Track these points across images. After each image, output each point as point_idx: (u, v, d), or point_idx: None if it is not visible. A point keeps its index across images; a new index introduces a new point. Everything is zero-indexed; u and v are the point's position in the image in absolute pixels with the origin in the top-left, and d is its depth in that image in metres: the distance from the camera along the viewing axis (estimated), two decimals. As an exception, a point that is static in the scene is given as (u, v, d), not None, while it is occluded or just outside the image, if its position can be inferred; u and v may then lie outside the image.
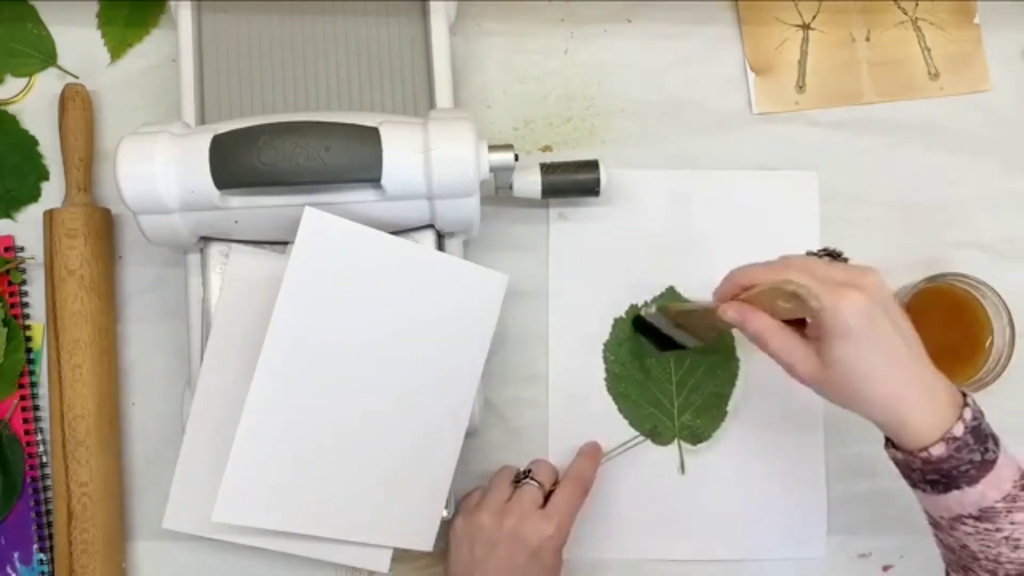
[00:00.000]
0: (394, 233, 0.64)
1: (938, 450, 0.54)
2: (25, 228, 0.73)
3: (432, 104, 0.69)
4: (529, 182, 0.70)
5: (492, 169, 0.64)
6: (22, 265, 0.73)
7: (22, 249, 0.73)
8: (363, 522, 0.65)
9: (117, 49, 0.75)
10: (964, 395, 0.56)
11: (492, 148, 0.64)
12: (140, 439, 0.72)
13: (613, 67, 0.76)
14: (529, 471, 0.68)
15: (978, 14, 0.78)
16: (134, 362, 0.73)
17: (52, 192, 0.74)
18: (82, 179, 0.72)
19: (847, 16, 0.78)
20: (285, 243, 0.66)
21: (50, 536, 0.71)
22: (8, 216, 0.74)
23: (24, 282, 0.73)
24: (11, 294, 0.72)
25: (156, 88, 0.75)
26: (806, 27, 0.78)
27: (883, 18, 0.78)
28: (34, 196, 0.74)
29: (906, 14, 0.78)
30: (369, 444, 0.64)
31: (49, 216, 0.70)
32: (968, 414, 0.55)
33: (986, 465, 0.54)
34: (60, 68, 0.75)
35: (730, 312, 0.59)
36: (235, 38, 0.71)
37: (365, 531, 0.65)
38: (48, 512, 0.71)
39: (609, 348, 0.73)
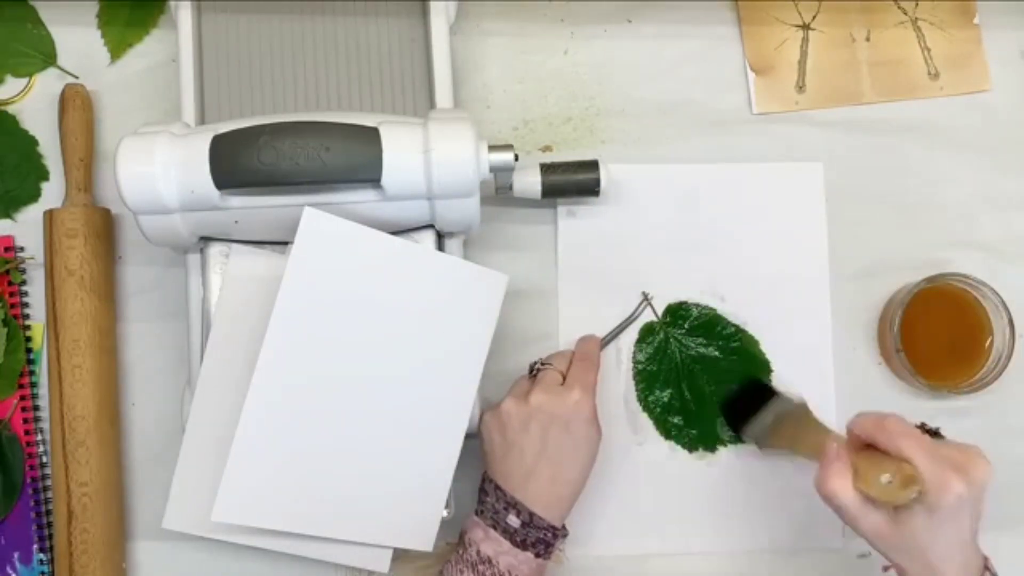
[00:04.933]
0: (394, 233, 0.64)
1: None
2: (25, 228, 0.73)
3: (432, 104, 0.69)
4: (529, 182, 0.70)
5: (492, 169, 0.64)
6: (22, 265, 0.73)
7: (22, 249, 0.73)
8: (363, 522, 0.65)
9: (117, 49, 0.75)
10: (985, 559, 0.60)
11: (492, 148, 0.64)
12: (140, 439, 0.72)
13: (613, 67, 0.76)
14: (542, 360, 0.68)
15: (978, 14, 0.78)
16: (134, 362, 0.73)
17: (52, 192, 0.74)
18: (82, 179, 0.72)
19: (847, 16, 0.78)
20: (285, 243, 0.66)
21: (50, 536, 0.71)
22: (8, 216, 0.74)
23: (24, 282, 0.73)
24: (11, 294, 0.72)
25: (156, 88, 0.75)
26: (806, 27, 0.78)
27: (883, 18, 0.78)
28: (34, 196, 0.74)
29: (906, 14, 0.78)
30: (369, 444, 0.64)
31: (49, 216, 0.70)
32: None
33: None
34: (60, 68, 0.75)
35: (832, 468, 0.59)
36: (235, 38, 0.71)
37: (365, 531, 0.65)
38: (48, 512, 0.71)
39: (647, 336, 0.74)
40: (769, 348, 0.74)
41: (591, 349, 0.70)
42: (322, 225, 0.61)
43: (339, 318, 0.63)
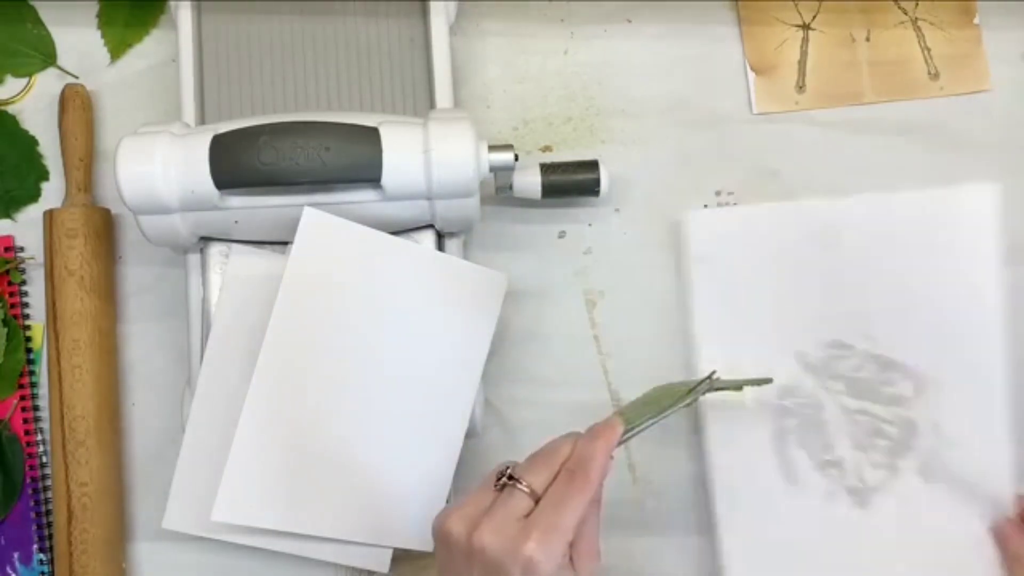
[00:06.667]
0: (394, 233, 0.64)
1: None
2: (25, 228, 0.73)
3: (432, 104, 0.69)
4: (529, 182, 0.70)
5: (492, 169, 0.64)
6: (22, 265, 0.73)
7: (22, 249, 0.73)
8: (363, 522, 0.65)
9: (117, 49, 0.75)
10: None
11: (492, 148, 0.64)
12: (140, 439, 0.72)
13: (613, 67, 0.76)
14: (509, 470, 0.52)
15: (978, 14, 0.78)
16: (134, 362, 0.73)
17: (52, 192, 0.74)
18: (82, 179, 0.72)
19: (847, 16, 0.78)
20: (285, 243, 0.66)
21: (50, 536, 0.71)
22: (8, 216, 0.74)
23: (24, 282, 0.73)
24: (11, 294, 0.72)
25: (156, 88, 0.75)
26: (806, 27, 0.78)
27: (883, 18, 0.78)
28: (34, 196, 0.74)
29: (906, 14, 0.78)
30: (369, 444, 0.64)
31: (49, 216, 0.70)
32: None
33: None
34: (60, 68, 0.75)
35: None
36: (235, 38, 0.71)
37: (365, 531, 0.65)
38: (48, 512, 0.71)
39: None
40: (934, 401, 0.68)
41: (592, 455, 0.51)
42: (322, 224, 0.61)
43: (339, 317, 0.63)
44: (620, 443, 0.54)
